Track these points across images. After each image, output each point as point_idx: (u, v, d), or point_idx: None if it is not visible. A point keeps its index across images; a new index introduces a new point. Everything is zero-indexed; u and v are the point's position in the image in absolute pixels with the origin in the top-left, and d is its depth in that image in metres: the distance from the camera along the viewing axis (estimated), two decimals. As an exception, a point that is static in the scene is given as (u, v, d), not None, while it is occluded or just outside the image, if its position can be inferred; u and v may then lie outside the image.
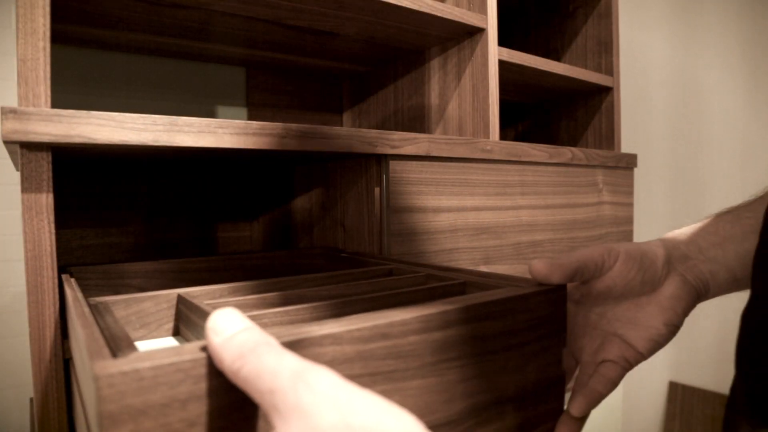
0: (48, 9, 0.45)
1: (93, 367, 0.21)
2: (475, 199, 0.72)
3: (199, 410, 0.23)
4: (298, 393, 0.20)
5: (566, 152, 0.87)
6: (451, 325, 0.31)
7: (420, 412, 0.32)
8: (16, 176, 0.86)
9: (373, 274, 0.51)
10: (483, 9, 0.78)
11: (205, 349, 0.23)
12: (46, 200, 0.44)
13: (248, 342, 0.22)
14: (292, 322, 0.36)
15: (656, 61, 1.89)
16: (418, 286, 0.44)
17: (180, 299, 0.41)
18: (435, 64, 0.87)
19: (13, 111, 0.41)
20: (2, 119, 0.40)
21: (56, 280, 0.45)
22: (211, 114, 0.98)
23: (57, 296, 0.45)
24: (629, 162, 1.02)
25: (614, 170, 0.99)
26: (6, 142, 0.42)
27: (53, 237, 0.44)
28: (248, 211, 0.98)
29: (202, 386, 0.23)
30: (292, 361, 0.21)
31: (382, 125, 0.99)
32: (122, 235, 0.87)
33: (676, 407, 1.96)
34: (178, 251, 0.90)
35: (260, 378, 0.21)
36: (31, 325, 0.44)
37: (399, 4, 0.68)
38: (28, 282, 0.43)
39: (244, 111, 1.01)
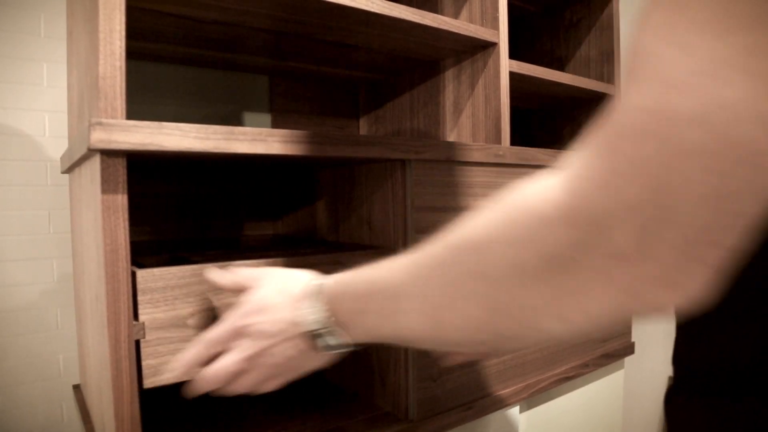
0: (123, 33, 0.51)
1: (135, 272, 0.52)
2: (488, 200, 0.79)
3: (176, 292, 0.54)
4: (261, 279, 0.50)
5: (571, 156, 0.93)
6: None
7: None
8: (31, 177, 0.91)
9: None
10: (495, 25, 0.85)
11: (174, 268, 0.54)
12: (121, 201, 0.50)
13: (232, 271, 0.53)
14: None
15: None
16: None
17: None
18: (450, 74, 0.94)
19: (99, 123, 0.47)
20: (90, 130, 0.47)
21: (129, 270, 0.51)
22: (237, 119, 1.04)
23: (130, 284, 0.51)
24: (630, 165, 1.09)
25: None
26: (90, 149, 0.48)
27: (127, 232, 0.51)
28: (273, 211, 1.04)
29: (175, 281, 0.54)
30: (250, 269, 0.53)
31: (399, 130, 1.06)
32: (154, 233, 0.93)
33: (675, 401, 2.01)
34: (204, 249, 0.96)
35: (243, 278, 0.51)
36: (108, 309, 0.50)
37: (421, 22, 0.74)
38: (106, 272, 0.50)
39: (268, 117, 1.07)
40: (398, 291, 0.36)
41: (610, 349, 1.04)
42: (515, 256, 0.28)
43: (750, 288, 0.29)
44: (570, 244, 0.25)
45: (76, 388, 0.88)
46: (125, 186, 0.50)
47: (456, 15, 0.90)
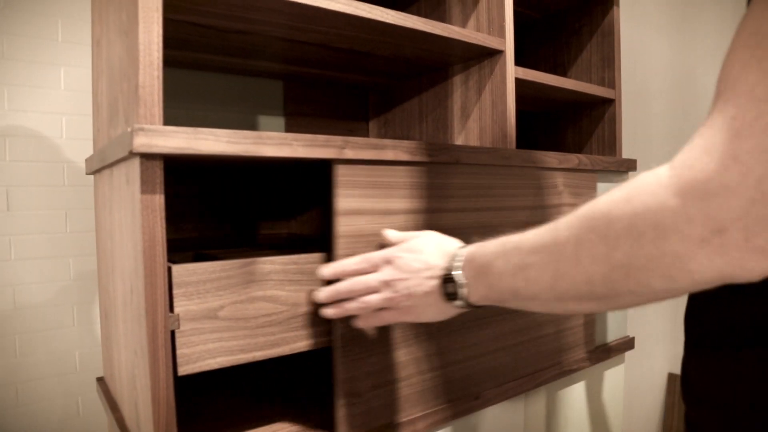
0: (161, 45, 0.55)
1: (171, 267, 0.55)
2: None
3: (207, 285, 0.58)
4: (423, 234, 0.60)
5: (573, 158, 0.97)
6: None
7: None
8: (49, 178, 0.94)
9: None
10: (501, 33, 0.89)
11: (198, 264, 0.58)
12: (158, 201, 0.54)
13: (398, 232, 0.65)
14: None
15: (655, 71, 1.99)
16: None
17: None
18: (457, 80, 0.98)
19: (142, 128, 0.51)
20: (133, 135, 0.50)
21: (166, 266, 0.55)
22: (252, 123, 1.08)
23: (167, 279, 0.55)
24: (629, 167, 1.13)
25: (614, 174, 1.09)
26: (132, 153, 0.52)
27: (164, 230, 0.54)
28: (287, 211, 1.08)
29: (207, 276, 0.57)
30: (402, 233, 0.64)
31: (408, 134, 1.10)
32: (175, 232, 0.97)
33: (675, 397, 2.06)
34: (223, 247, 1.00)
35: (408, 234, 0.62)
36: (146, 302, 0.53)
37: (432, 32, 0.78)
38: (145, 267, 0.53)
39: (281, 120, 1.11)
40: (528, 246, 0.44)
41: (611, 344, 1.08)
42: (630, 222, 0.34)
43: None
44: (675, 214, 0.31)
45: (100, 380, 0.91)
46: (162, 187, 0.54)
47: (464, 24, 0.94)
